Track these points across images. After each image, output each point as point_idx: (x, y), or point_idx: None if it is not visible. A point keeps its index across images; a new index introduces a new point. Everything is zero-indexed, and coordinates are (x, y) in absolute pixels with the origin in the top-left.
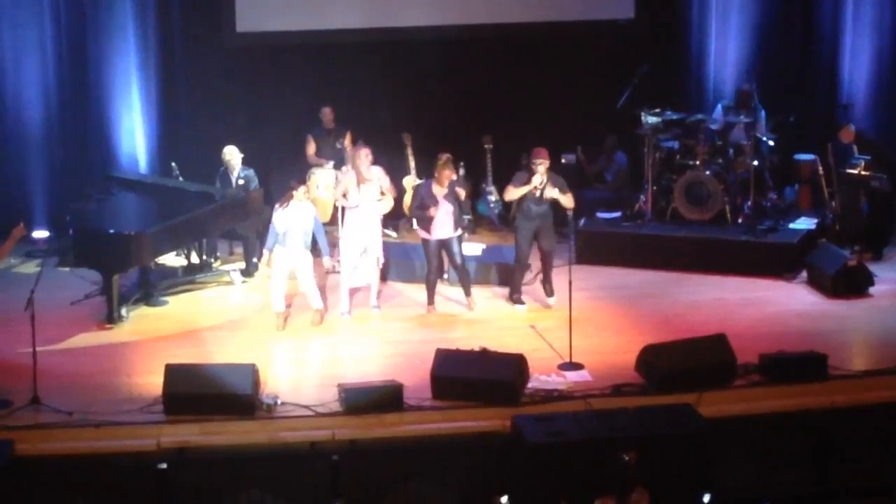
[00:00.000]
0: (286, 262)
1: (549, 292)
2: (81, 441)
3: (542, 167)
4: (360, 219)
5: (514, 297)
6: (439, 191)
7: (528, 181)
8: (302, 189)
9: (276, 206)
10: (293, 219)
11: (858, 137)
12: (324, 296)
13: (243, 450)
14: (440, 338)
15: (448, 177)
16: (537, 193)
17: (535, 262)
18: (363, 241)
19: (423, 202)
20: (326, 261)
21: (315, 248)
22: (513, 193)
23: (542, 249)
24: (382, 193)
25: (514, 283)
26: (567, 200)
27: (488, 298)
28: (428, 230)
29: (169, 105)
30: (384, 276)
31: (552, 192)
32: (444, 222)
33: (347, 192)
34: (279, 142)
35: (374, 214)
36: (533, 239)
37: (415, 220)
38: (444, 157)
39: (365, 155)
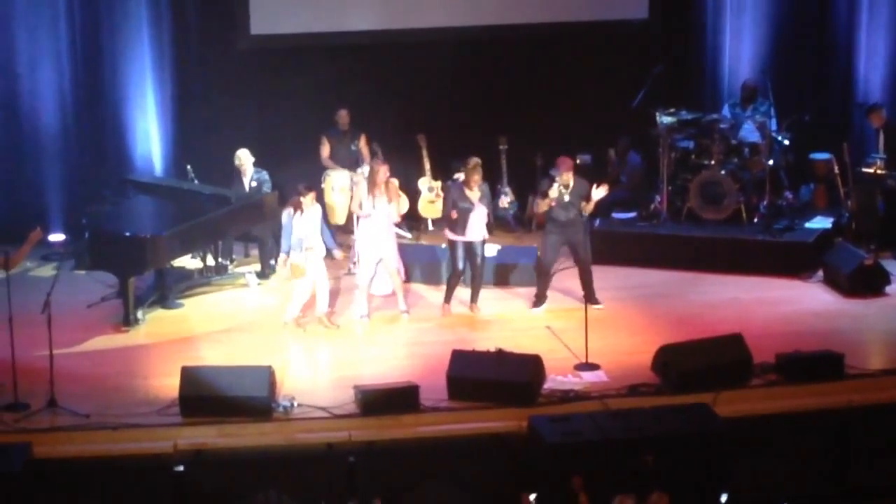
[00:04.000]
0: (311, 266)
1: (594, 301)
2: (98, 443)
3: (560, 177)
4: (374, 226)
5: (534, 302)
6: (473, 194)
7: (549, 189)
8: (310, 196)
9: (290, 211)
10: (308, 224)
11: (887, 125)
12: (333, 299)
13: (260, 451)
14: (456, 339)
15: (477, 181)
16: (566, 198)
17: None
18: (378, 249)
19: (456, 204)
20: (337, 253)
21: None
22: (539, 208)
23: (578, 262)
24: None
25: (538, 289)
26: (590, 208)
27: (503, 299)
28: (462, 233)
29: (184, 108)
30: (407, 278)
31: (598, 193)
32: (477, 225)
33: (361, 202)
34: (294, 144)
35: (388, 222)
36: (561, 247)
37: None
38: (473, 161)
39: (384, 171)
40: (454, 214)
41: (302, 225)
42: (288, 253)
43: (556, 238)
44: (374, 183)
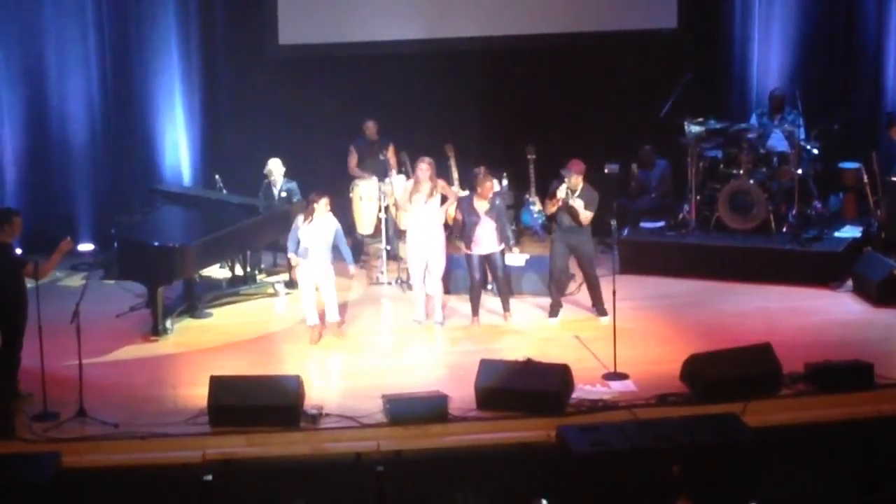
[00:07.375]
0: (311, 275)
1: (602, 312)
2: (127, 453)
3: (569, 178)
4: (420, 228)
5: (549, 311)
6: (481, 206)
7: (557, 189)
8: (323, 202)
9: (300, 218)
10: (316, 233)
11: None
12: (343, 310)
13: (288, 461)
14: (484, 348)
15: (489, 189)
16: (570, 202)
17: (577, 271)
18: (424, 252)
19: (463, 217)
20: (351, 268)
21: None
22: (547, 209)
23: (583, 272)
24: (445, 198)
25: (552, 298)
26: (584, 216)
27: (531, 309)
28: (469, 246)
29: (212, 118)
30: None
31: (575, 202)
32: (486, 238)
33: (401, 205)
34: (322, 154)
35: (434, 222)
36: (569, 254)
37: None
38: (481, 169)
39: (423, 167)
40: (455, 240)
41: (306, 234)
42: (294, 252)
43: (561, 244)
44: (416, 179)
